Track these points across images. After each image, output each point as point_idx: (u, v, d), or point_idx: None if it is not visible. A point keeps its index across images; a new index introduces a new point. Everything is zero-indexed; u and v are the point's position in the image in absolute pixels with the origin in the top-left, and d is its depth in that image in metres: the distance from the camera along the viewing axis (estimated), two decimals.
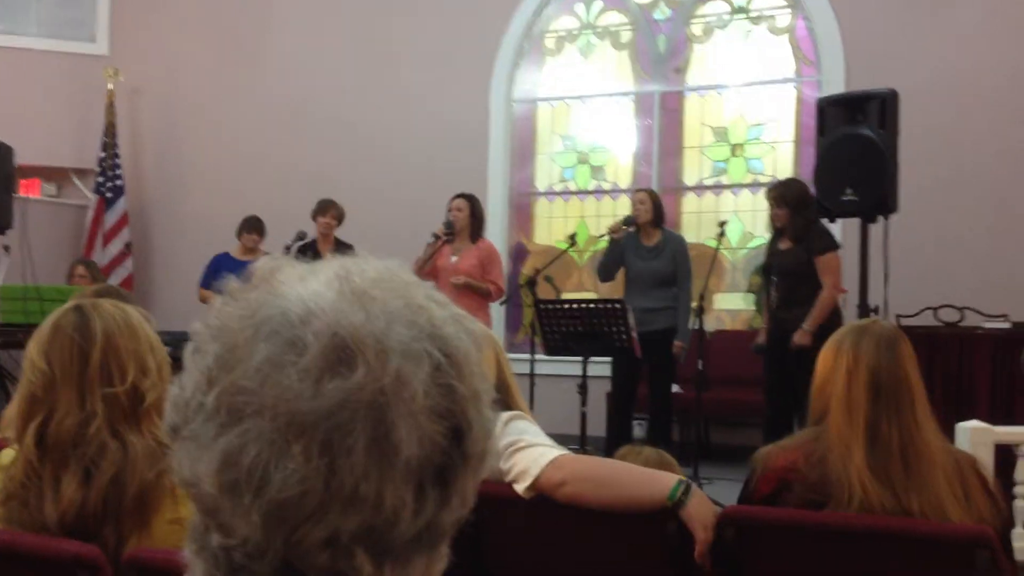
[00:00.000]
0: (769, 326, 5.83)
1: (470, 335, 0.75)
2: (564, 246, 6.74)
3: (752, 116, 7.89)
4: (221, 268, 7.36)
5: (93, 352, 1.76)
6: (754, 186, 7.77)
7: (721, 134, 7.98)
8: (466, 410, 0.72)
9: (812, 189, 5.47)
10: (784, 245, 5.77)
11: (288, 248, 6.94)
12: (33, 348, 1.78)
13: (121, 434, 1.75)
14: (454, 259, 6.39)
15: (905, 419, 2.16)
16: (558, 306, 5.82)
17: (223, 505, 0.69)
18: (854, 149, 4.85)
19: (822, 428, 2.20)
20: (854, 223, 5.40)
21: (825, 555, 2.10)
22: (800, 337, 5.44)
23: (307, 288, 0.72)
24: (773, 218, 5.82)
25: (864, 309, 4.89)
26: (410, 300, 0.73)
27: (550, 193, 8.45)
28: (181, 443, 0.71)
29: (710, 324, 7.13)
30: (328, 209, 7.13)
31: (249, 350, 0.69)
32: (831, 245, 5.65)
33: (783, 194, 5.75)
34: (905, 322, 5.48)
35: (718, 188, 7.96)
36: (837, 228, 6.23)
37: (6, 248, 6.60)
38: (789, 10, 7.76)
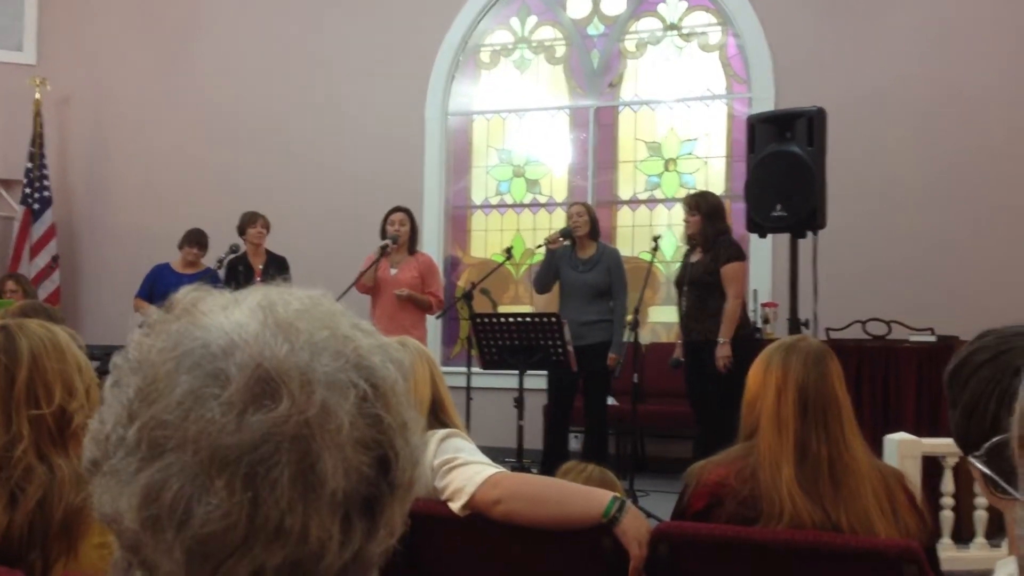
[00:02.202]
0: (683, 339, 5.92)
1: (397, 364, 0.75)
2: (500, 259, 6.75)
3: (684, 131, 7.99)
4: (159, 279, 7.25)
5: (19, 373, 1.72)
6: None
7: (655, 149, 8.08)
8: (393, 440, 0.72)
9: (743, 204, 5.56)
10: (695, 257, 5.88)
11: (221, 260, 6.86)
12: None
13: (48, 457, 1.71)
14: (393, 272, 6.38)
15: (833, 435, 2.21)
16: (494, 320, 5.83)
17: (145, 541, 0.68)
18: (783, 166, 4.95)
19: (752, 444, 2.24)
20: (784, 238, 5.50)
21: (756, 570, 2.14)
22: (720, 350, 5.55)
23: (230, 319, 0.71)
24: (685, 226, 5.93)
25: (794, 323, 4.99)
26: (335, 330, 0.73)
27: (486, 206, 8.47)
28: (102, 478, 0.70)
29: (645, 337, 7.20)
30: (256, 220, 7.06)
31: (170, 383, 0.68)
32: (738, 255, 5.78)
33: (698, 202, 5.87)
34: (834, 335, 5.59)
35: (652, 202, 8.04)
36: (768, 243, 6.35)
37: None
38: (720, 27, 7.88)
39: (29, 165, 8.88)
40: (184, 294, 0.75)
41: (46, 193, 8.90)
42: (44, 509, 1.67)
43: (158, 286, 7.17)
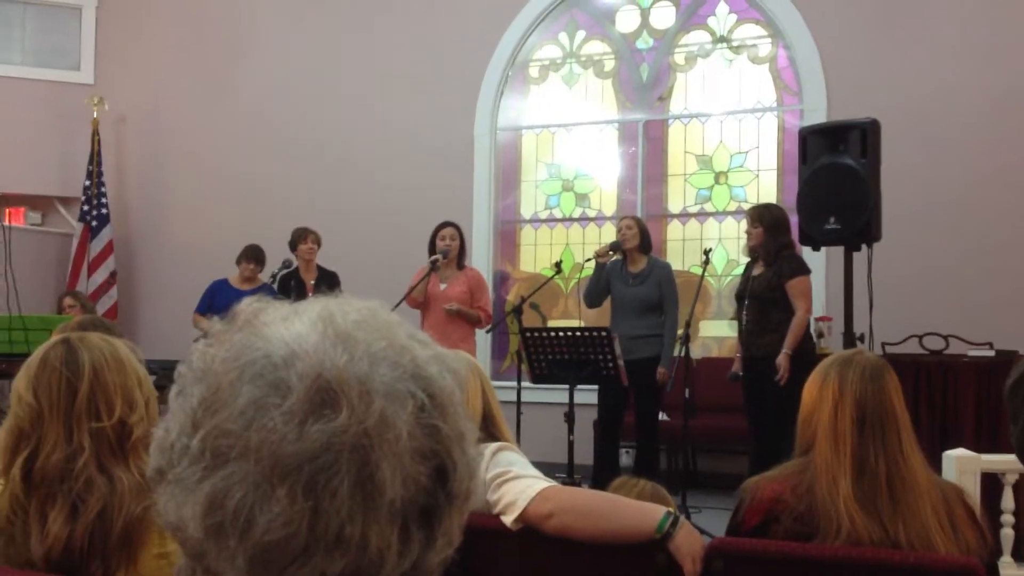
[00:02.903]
0: (743, 353, 5.85)
1: (454, 374, 0.76)
2: (550, 273, 6.75)
3: (735, 144, 7.94)
4: (217, 295, 7.34)
5: (81, 386, 1.75)
6: (738, 213, 7.81)
7: (705, 162, 8.03)
8: (450, 450, 0.72)
9: (795, 217, 5.50)
10: (757, 271, 5.80)
11: (275, 275, 6.93)
12: (21, 382, 1.77)
13: (108, 469, 1.74)
14: (443, 286, 6.41)
15: (891, 450, 2.17)
16: (544, 334, 5.82)
17: (209, 549, 0.69)
18: (836, 178, 4.89)
19: (809, 459, 2.21)
20: (838, 251, 5.44)
21: None
22: (782, 360, 5.46)
23: (290, 330, 0.72)
24: (747, 238, 5.85)
25: (849, 337, 4.92)
26: (393, 341, 0.73)
27: (535, 220, 8.47)
28: (166, 486, 0.71)
29: (696, 352, 7.15)
30: (307, 236, 7.13)
31: (233, 393, 0.69)
32: (802, 269, 5.69)
33: (761, 214, 5.79)
34: (890, 350, 5.50)
35: (702, 215, 8.00)
36: (821, 256, 6.27)
37: None
38: (770, 39, 7.83)
39: (87, 183, 9.06)
40: (246, 306, 0.76)
41: (104, 210, 9.07)
42: (104, 520, 1.70)
43: (216, 301, 7.26)
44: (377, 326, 0.74)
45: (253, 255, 7.42)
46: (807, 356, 5.46)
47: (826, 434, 2.19)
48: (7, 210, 8.42)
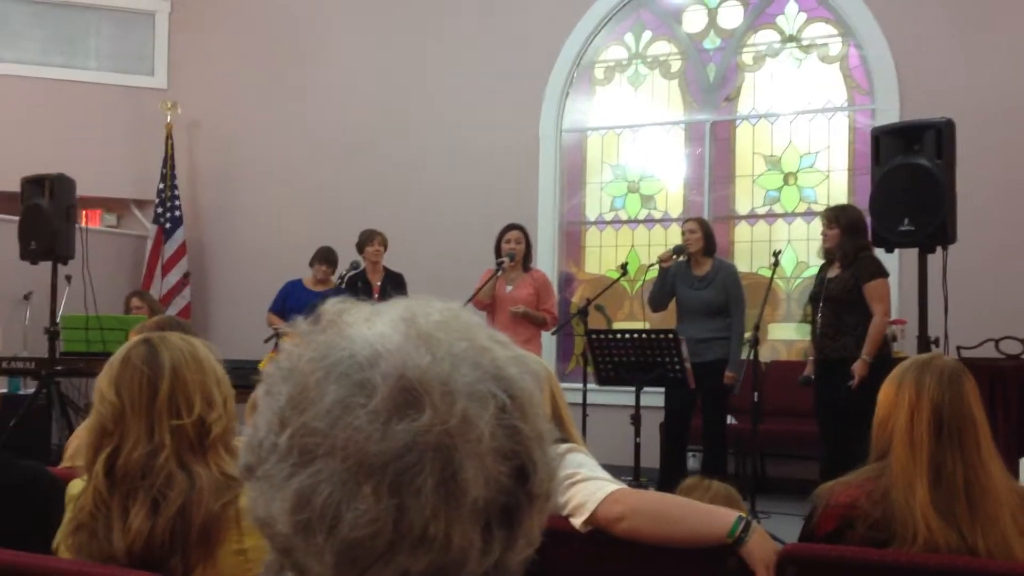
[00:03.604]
0: (816, 357, 5.75)
1: (533, 376, 0.76)
2: (615, 275, 6.72)
3: (804, 145, 7.84)
4: (291, 296, 7.45)
5: (161, 384, 1.79)
6: (808, 215, 7.71)
7: (773, 163, 7.94)
8: (531, 451, 0.73)
9: (868, 218, 5.41)
10: (832, 273, 5.70)
11: (343, 277, 7.01)
12: (104, 380, 1.82)
13: (188, 465, 1.77)
14: (509, 289, 6.43)
15: (969, 456, 2.13)
16: (610, 336, 5.80)
17: (297, 544, 0.70)
18: (910, 179, 4.79)
19: (884, 464, 2.17)
20: (912, 254, 5.33)
21: None
22: (860, 368, 5.37)
23: (373, 330, 0.73)
24: (823, 239, 5.75)
25: (924, 341, 4.81)
26: (474, 342, 0.74)
27: (600, 222, 8.45)
28: (255, 483, 0.72)
29: (765, 355, 7.06)
30: (373, 238, 7.18)
31: (319, 392, 0.70)
32: (880, 272, 5.58)
33: (837, 215, 5.69)
34: (966, 354, 5.39)
35: (771, 217, 7.91)
36: (895, 259, 6.16)
37: (68, 278, 6.74)
38: (840, 38, 7.72)
39: (161, 186, 9.25)
40: (330, 306, 0.77)
41: (177, 212, 9.26)
42: (184, 516, 1.74)
43: (289, 302, 7.36)
44: (458, 327, 0.75)
45: (326, 257, 7.50)
46: (881, 360, 5.36)
47: (902, 439, 2.15)
48: (84, 212, 8.63)
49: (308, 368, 0.72)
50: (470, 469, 0.69)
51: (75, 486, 1.88)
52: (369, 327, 0.74)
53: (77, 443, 2.73)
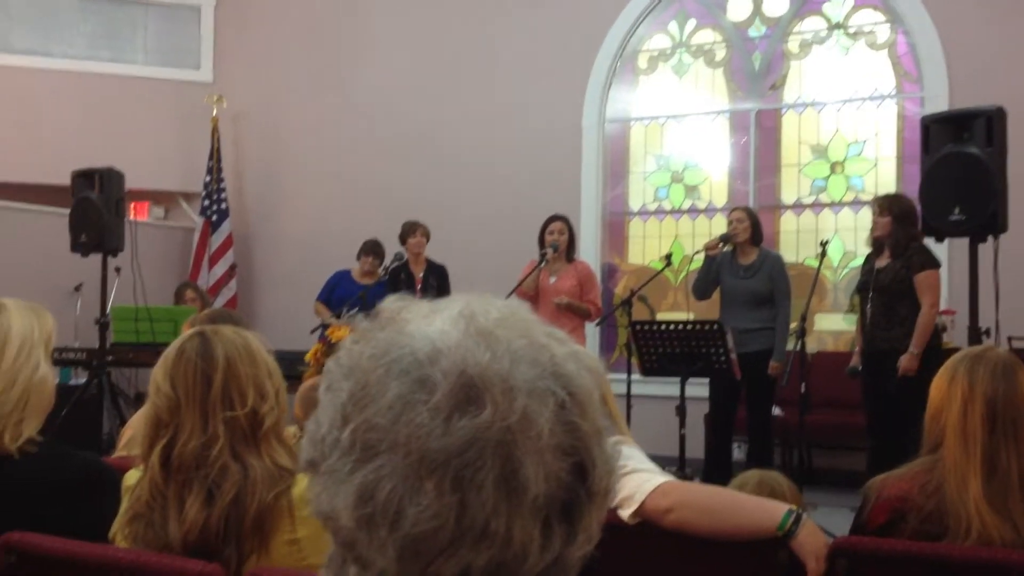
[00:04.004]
0: (864, 347, 5.68)
1: (591, 372, 0.77)
2: (659, 266, 6.69)
3: (852, 133, 7.75)
4: (339, 286, 7.50)
5: (215, 377, 1.82)
6: (855, 204, 7.63)
7: (820, 151, 7.86)
8: (590, 447, 0.73)
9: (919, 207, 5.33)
10: (881, 262, 5.62)
11: (387, 269, 7.05)
12: (159, 372, 1.85)
13: (241, 456, 1.80)
14: (553, 280, 6.42)
15: (1023, 448, 2.10)
16: (655, 327, 5.78)
17: (360, 538, 0.71)
18: (960, 168, 4.72)
19: (937, 458, 2.15)
20: (962, 243, 5.26)
21: None
22: (908, 361, 5.30)
23: (433, 327, 0.74)
24: (873, 227, 5.66)
25: (974, 331, 4.74)
26: (532, 339, 0.75)
27: (644, 212, 8.42)
28: (318, 478, 0.73)
29: (811, 345, 6.99)
30: (416, 230, 7.20)
31: (381, 388, 0.71)
32: (932, 262, 5.50)
33: (890, 203, 5.61)
34: (1017, 344, 5.31)
35: (817, 206, 7.83)
36: (944, 248, 6.07)
37: (117, 270, 6.84)
38: (889, 25, 7.61)
39: (207, 178, 9.35)
40: (389, 303, 0.78)
41: (223, 205, 9.35)
42: (238, 506, 1.76)
43: (337, 292, 7.41)
44: (516, 324, 0.75)
45: (373, 249, 7.54)
46: (931, 351, 5.29)
47: (955, 432, 2.13)
48: (132, 205, 8.75)
49: (369, 365, 0.73)
50: (530, 465, 0.70)
51: (131, 476, 1.91)
52: (428, 324, 0.74)
53: (131, 433, 2.78)
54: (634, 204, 8.45)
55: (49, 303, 2.27)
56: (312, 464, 0.74)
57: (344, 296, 7.19)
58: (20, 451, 2.00)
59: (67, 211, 6.56)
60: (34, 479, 2.00)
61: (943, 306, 6.20)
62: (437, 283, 7.19)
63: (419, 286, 7.12)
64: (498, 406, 0.70)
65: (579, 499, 0.73)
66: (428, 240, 7.26)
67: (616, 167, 8.48)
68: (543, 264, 6.35)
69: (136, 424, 2.63)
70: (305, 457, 0.75)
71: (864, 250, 6.03)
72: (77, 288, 8.09)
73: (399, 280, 7.14)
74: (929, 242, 5.38)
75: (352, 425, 0.71)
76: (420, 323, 0.75)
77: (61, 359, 6.87)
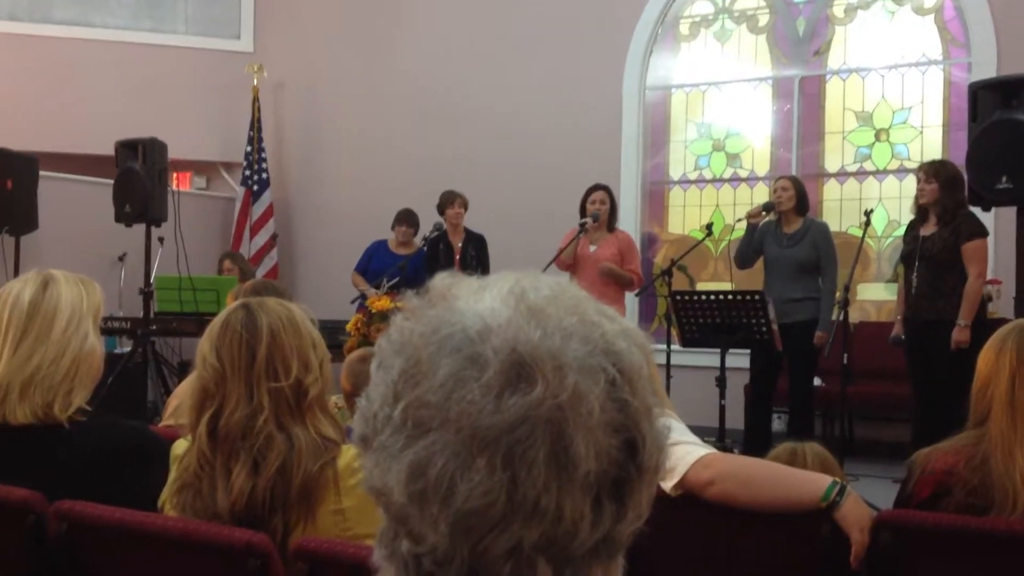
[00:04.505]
0: (908, 316, 5.59)
1: (641, 349, 0.76)
2: (699, 235, 6.65)
3: (897, 100, 7.62)
4: (376, 256, 7.54)
5: (260, 348, 1.83)
6: (900, 172, 7.52)
7: (865, 119, 7.74)
8: (640, 424, 0.73)
9: (965, 175, 5.25)
10: (927, 231, 5.52)
11: (426, 239, 7.05)
12: (205, 344, 1.87)
13: (286, 427, 1.82)
14: (592, 248, 6.41)
15: None
16: (695, 298, 5.76)
17: (412, 514, 0.71)
18: (1009, 135, 4.64)
19: (984, 431, 2.12)
20: (1009, 212, 5.18)
21: (986, 562, 2.03)
22: (960, 334, 5.22)
23: (483, 304, 0.74)
24: (919, 194, 5.55)
25: (1021, 302, 4.68)
26: (583, 316, 0.74)
27: (684, 181, 8.35)
28: (371, 454, 0.74)
29: (854, 315, 6.94)
30: (454, 200, 7.20)
31: (432, 366, 0.71)
32: (980, 231, 5.39)
33: (937, 169, 5.50)
34: None
35: (862, 174, 7.72)
36: (991, 217, 5.98)
37: (160, 240, 6.91)
38: None
39: (248, 148, 9.40)
40: (439, 281, 0.78)
41: (264, 175, 9.41)
42: (284, 476, 1.78)
43: (374, 263, 7.45)
44: (567, 301, 0.75)
45: (407, 218, 7.56)
46: (978, 322, 5.22)
47: (1003, 406, 2.10)
48: (175, 175, 8.83)
49: (420, 342, 0.73)
50: (581, 442, 0.69)
51: (179, 446, 1.94)
52: (479, 301, 0.74)
53: (177, 402, 2.82)
54: (674, 173, 8.39)
55: (94, 273, 2.30)
56: (364, 440, 0.75)
57: (381, 266, 7.22)
58: (70, 420, 2.04)
59: (111, 182, 6.64)
60: (84, 448, 2.04)
61: (990, 276, 6.11)
62: (476, 253, 7.20)
63: (458, 256, 7.13)
64: (549, 383, 0.69)
65: (629, 476, 0.73)
66: (466, 210, 7.26)
67: (656, 135, 8.42)
68: (582, 233, 6.33)
69: (182, 393, 2.66)
70: (357, 433, 0.76)
71: (909, 218, 5.93)
72: (121, 258, 8.19)
73: (438, 250, 7.16)
74: (976, 211, 5.30)
75: (404, 402, 0.72)
76: (470, 300, 0.75)
77: (106, 328, 6.92)
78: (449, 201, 7.21)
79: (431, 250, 7.16)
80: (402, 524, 0.73)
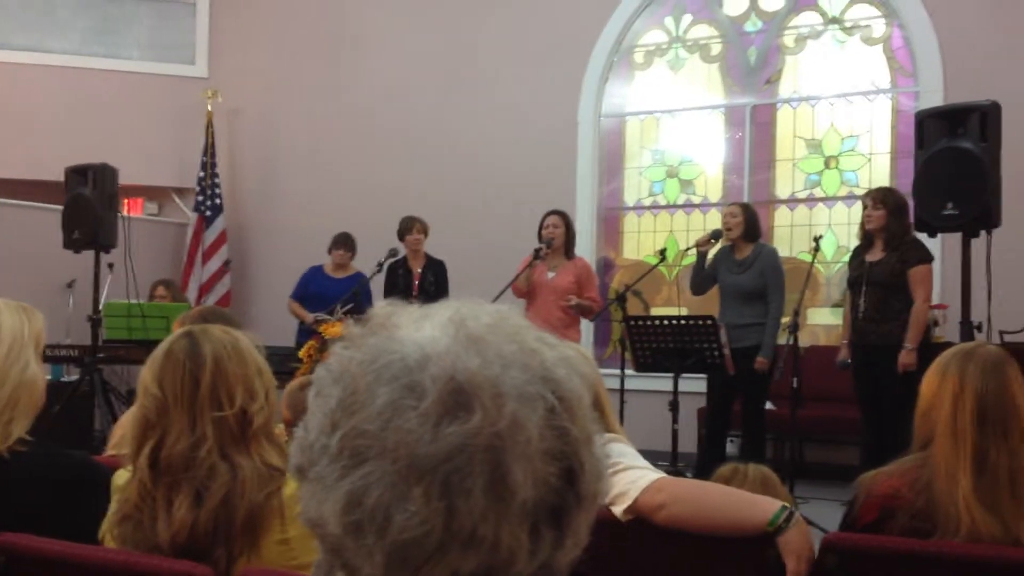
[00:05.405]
0: (856, 340, 5.66)
1: (581, 377, 0.76)
2: (653, 261, 6.70)
3: (846, 128, 7.75)
4: (312, 282, 7.50)
5: (203, 377, 1.81)
6: (849, 199, 7.63)
7: (815, 146, 7.86)
8: (579, 452, 0.73)
9: (911, 202, 5.34)
10: (874, 256, 5.61)
11: (380, 264, 7.02)
12: (147, 373, 1.84)
13: (230, 457, 1.79)
14: (551, 275, 6.41)
15: (1014, 446, 2.11)
16: (649, 323, 5.78)
17: (347, 545, 0.71)
18: (954, 163, 4.72)
19: (927, 454, 2.15)
20: (955, 238, 5.27)
21: None
22: (906, 357, 5.31)
23: (422, 333, 0.74)
24: (866, 220, 5.64)
25: (966, 326, 4.75)
26: (523, 344, 0.74)
27: (639, 208, 8.42)
28: (307, 484, 0.73)
29: (804, 340, 7.01)
30: (413, 225, 7.18)
31: (370, 394, 0.71)
32: (926, 257, 5.51)
33: (885, 196, 5.61)
34: (1009, 339, 5.30)
35: (811, 201, 7.83)
36: (937, 243, 6.08)
37: (110, 266, 6.82)
38: (884, 20, 7.61)
39: (201, 174, 9.33)
40: (380, 309, 0.78)
41: (217, 200, 9.34)
42: (228, 507, 1.76)
43: (310, 288, 7.42)
44: (507, 329, 0.75)
45: (344, 242, 7.55)
46: (922, 346, 5.30)
47: (946, 429, 2.13)
48: (126, 201, 8.73)
49: (359, 371, 0.73)
50: (519, 471, 0.69)
51: (120, 476, 1.91)
52: (418, 330, 0.74)
53: (122, 432, 2.77)
54: (629, 199, 8.45)
55: (41, 300, 2.26)
56: (300, 470, 0.74)
57: (318, 291, 7.20)
58: (10, 451, 2.00)
59: (60, 207, 6.54)
60: (24, 479, 2.00)
61: (936, 300, 6.21)
62: (436, 278, 7.18)
63: (417, 281, 7.11)
64: (487, 411, 0.69)
65: (568, 504, 0.73)
66: (426, 236, 7.23)
67: (612, 162, 8.48)
68: (535, 261, 6.34)
69: (126, 423, 2.62)
70: (294, 463, 0.75)
71: (856, 244, 6.01)
72: (70, 284, 8.07)
73: (397, 276, 7.14)
74: (922, 237, 5.39)
75: (341, 431, 0.71)
76: (410, 329, 0.75)
77: (53, 356, 6.84)
78: (408, 227, 7.20)
79: (390, 276, 7.13)
80: (337, 556, 0.72)
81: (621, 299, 6.25)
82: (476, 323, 0.74)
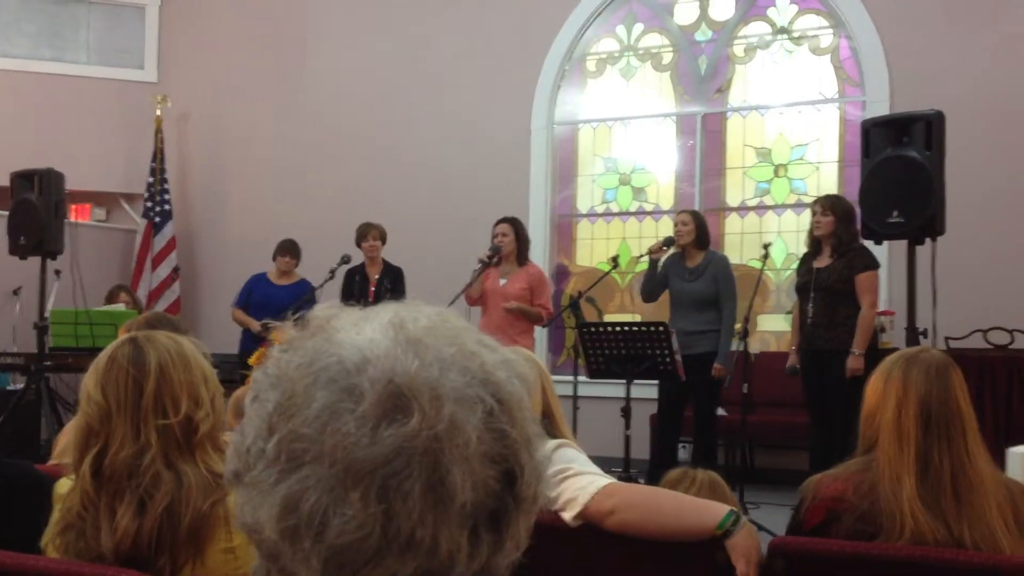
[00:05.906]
0: (804, 345, 5.74)
1: (522, 379, 0.76)
2: (606, 268, 6.73)
3: (795, 136, 7.85)
4: (255, 289, 7.45)
5: (147, 384, 1.78)
6: (798, 207, 7.72)
7: (764, 155, 7.95)
8: (518, 454, 0.73)
9: (857, 210, 5.43)
10: (821, 262, 5.69)
11: (333, 271, 6.97)
12: (90, 380, 1.81)
13: (175, 465, 1.77)
14: (503, 282, 6.40)
15: (956, 449, 2.14)
16: (601, 329, 5.81)
17: (284, 550, 0.70)
18: (900, 171, 4.81)
19: (872, 458, 2.18)
20: (901, 245, 5.35)
21: None
22: (854, 362, 5.38)
23: (362, 336, 0.73)
24: (815, 226, 5.72)
25: (912, 332, 4.83)
26: (462, 347, 0.74)
27: (592, 215, 8.45)
28: (243, 489, 0.72)
29: (755, 346, 7.08)
30: (369, 232, 7.14)
31: (308, 398, 0.70)
32: (872, 263, 5.60)
33: (833, 203, 5.70)
34: (954, 344, 5.41)
35: (761, 209, 7.92)
36: (883, 250, 6.17)
37: (57, 273, 6.72)
38: (832, 30, 7.72)
39: (150, 180, 9.22)
40: (319, 311, 0.77)
41: (166, 206, 9.23)
42: (172, 515, 1.73)
43: (254, 296, 7.37)
44: (447, 332, 0.75)
45: (288, 249, 7.52)
46: (869, 351, 5.39)
47: (890, 433, 2.16)
48: (73, 207, 8.60)
49: (296, 374, 0.72)
50: (457, 474, 0.69)
51: (62, 485, 1.88)
52: (357, 332, 0.74)
53: (66, 440, 2.73)
54: (582, 206, 8.48)
55: None
56: (237, 476, 0.73)
57: (262, 299, 7.17)
58: None
59: (5, 213, 6.44)
60: None
61: (882, 307, 6.30)
62: (392, 285, 7.15)
63: (373, 288, 7.08)
64: (425, 414, 0.69)
65: (507, 506, 0.73)
66: (384, 242, 7.19)
67: (564, 170, 8.51)
68: (479, 267, 6.33)
69: (70, 431, 2.58)
70: (229, 468, 0.74)
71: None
72: (16, 291, 7.94)
73: (353, 282, 7.10)
74: (868, 244, 5.47)
75: (278, 435, 0.70)
76: (349, 332, 0.74)
77: None
78: (364, 234, 7.15)
79: (347, 282, 7.10)
80: (274, 562, 0.72)
81: (574, 306, 6.27)
82: (415, 326, 0.74)
